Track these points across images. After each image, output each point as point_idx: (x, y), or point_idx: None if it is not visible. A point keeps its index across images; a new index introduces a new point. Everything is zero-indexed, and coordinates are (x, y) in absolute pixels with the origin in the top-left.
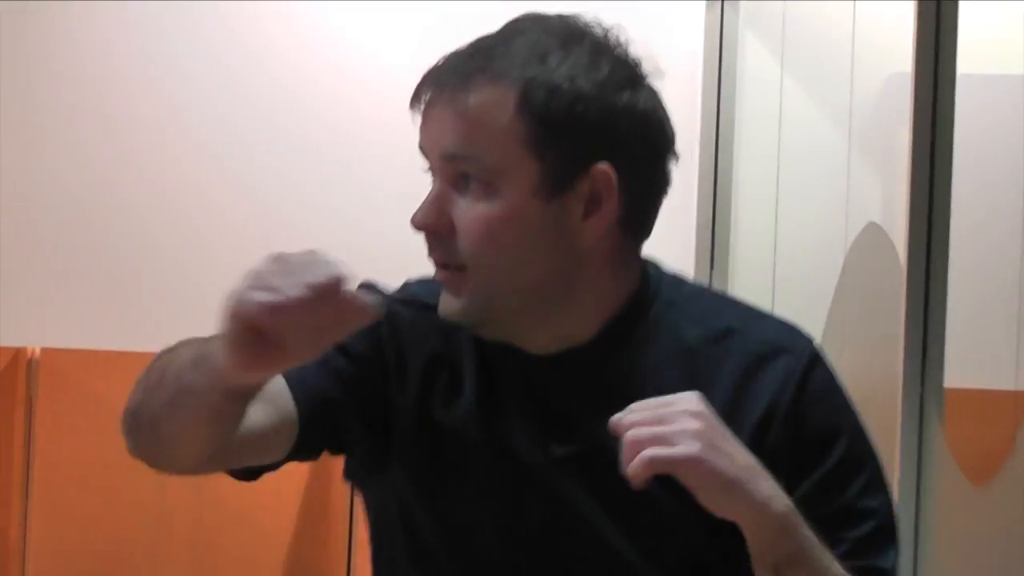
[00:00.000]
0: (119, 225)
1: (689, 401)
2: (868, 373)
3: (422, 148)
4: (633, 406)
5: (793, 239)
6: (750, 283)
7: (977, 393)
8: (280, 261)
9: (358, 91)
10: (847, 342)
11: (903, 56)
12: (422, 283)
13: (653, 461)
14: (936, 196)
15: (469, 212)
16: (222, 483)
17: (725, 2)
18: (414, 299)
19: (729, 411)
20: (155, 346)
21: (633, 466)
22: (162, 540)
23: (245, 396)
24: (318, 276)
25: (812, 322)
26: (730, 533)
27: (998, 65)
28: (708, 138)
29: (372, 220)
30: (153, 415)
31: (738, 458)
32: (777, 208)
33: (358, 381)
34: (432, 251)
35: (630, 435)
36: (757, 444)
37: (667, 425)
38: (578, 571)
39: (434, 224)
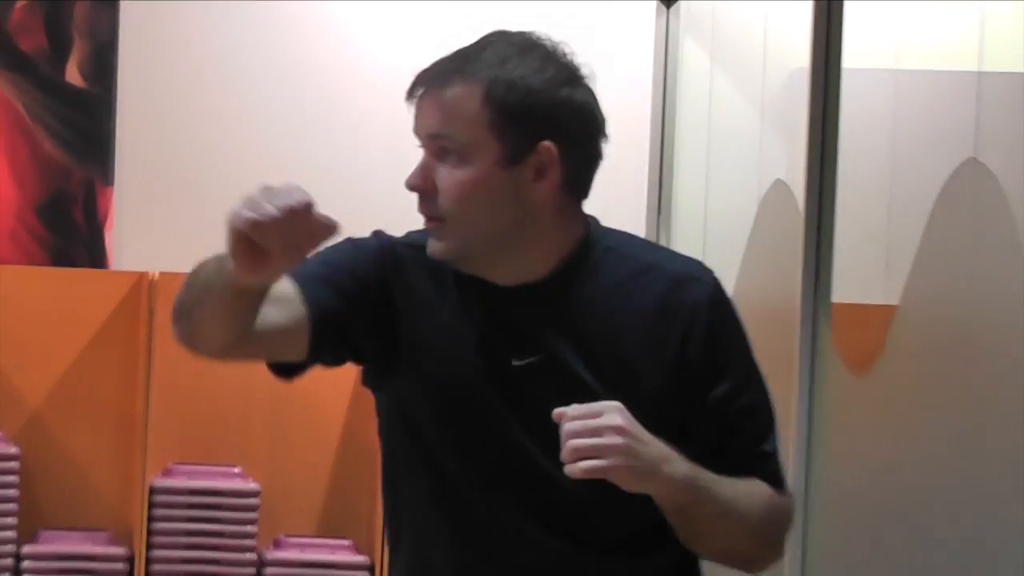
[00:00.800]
0: (222, 174)
1: (613, 416)
2: (775, 293)
3: (415, 130)
4: (569, 411)
5: (720, 194)
6: (688, 227)
7: (856, 307)
8: (266, 189)
9: (373, 92)
10: (760, 270)
11: (803, 53)
12: (418, 232)
13: (589, 470)
14: (826, 160)
15: (447, 178)
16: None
17: (669, 10)
18: (412, 242)
19: (656, 326)
20: None
21: (571, 470)
22: (248, 415)
23: (250, 295)
24: (290, 200)
25: (733, 256)
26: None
27: (874, 60)
28: (656, 119)
29: (386, 186)
30: (188, 310)
31: (652, 452)
32: (708, 172)
33: (363, 301)
34: (421, 207)
35: (569, 444)
36: (681, 353)
37: (598, 438)
38: (528, 442)
39: (421, 186)
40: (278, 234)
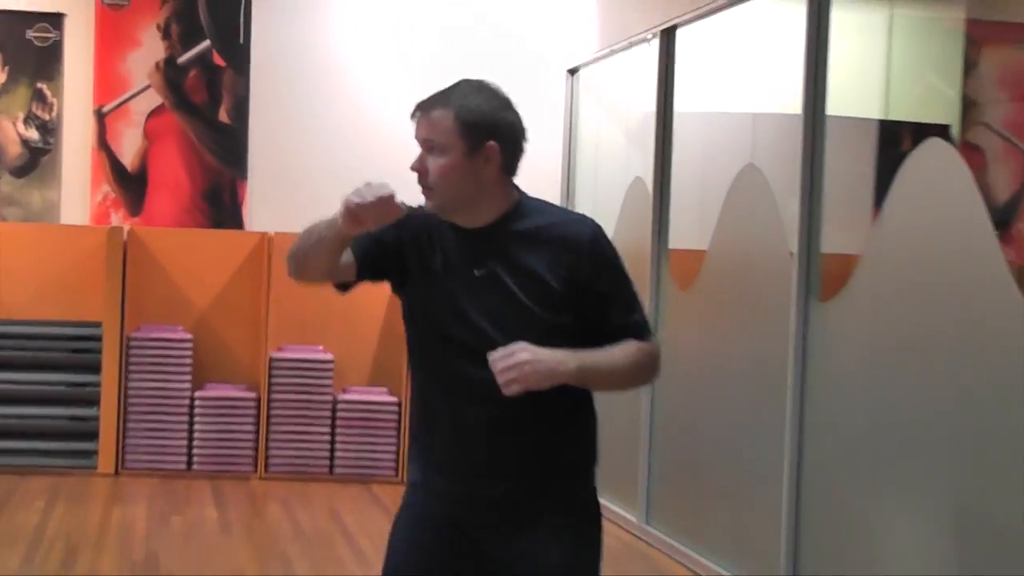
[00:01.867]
0: (310, 176)
1: (521, 354)
2: (637, 242)
3: (415, 136)
4: (493, 356)
5: (603, 184)
6: (584, 204)
7: (682, 251)
8: (367, 184)
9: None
10: (627, 229)
11: (651, 101)
12: (420, 207)
13: (517, 388)
14: (664, 166)
15: (433, 164)
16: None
17: (573, 77)
18: (421, 208)
19: (559, 251)
20: None
21: (507, 391)
22: (327, 315)
23: (343, 242)
24: (380, 191)
25: (612, 222)
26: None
27: (695, 106)
28: (566, 138)
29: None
30: (302, 254)
31: (548, 363)
32: (596, 171)
33: (388, 245)
34: (419, 181)
35: (500, 376)
36: (574, 270)
37: (518, 370)
38: (478, 319)
39: (419, 169)
40: (371, 211)
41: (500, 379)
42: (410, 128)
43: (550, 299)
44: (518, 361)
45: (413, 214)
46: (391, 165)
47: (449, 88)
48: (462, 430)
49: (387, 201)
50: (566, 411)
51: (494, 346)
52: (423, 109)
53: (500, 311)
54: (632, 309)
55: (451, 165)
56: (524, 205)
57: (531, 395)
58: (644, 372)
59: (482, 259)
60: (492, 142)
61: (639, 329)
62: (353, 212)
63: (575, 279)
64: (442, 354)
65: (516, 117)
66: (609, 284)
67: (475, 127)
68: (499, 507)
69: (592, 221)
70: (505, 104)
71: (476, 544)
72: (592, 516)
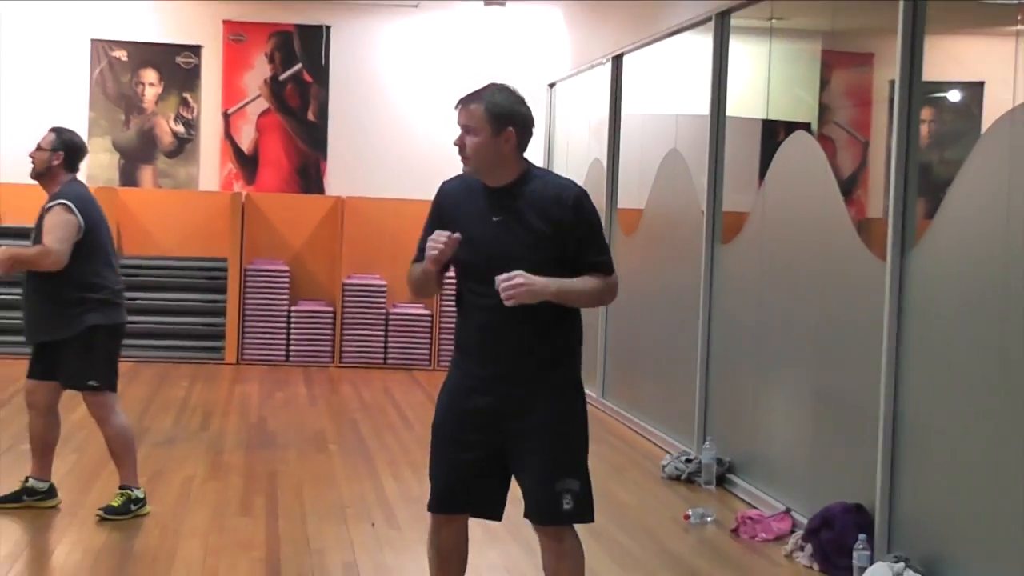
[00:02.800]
0: (374, 156)
1: (519, 277)
2: (597, 202)
3: (457, 122)
4: (499, 279)
5: (572, 164)
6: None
7: (628, 210)
8: (434, 238)
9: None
10: (593, 196)
11: (605, 106)
12: (457, 176)
13: (514, 302)
14: (616, 152)
15: (470, 142)
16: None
17: (551, 89)
18: (456, 178)
19: (554, 205)
20: (396, 194)
21: (507, 303)
22: (380, 249)
23: (436, 273)
24: (441, 238)
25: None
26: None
27: (642, 109)
28: (547, 131)
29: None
30: (420, 290)
31: (539, 286)
32: (567, 155)
33: (440, 224)
34: (459, 153)
35: (504, 293)
36: (562, 220)
37: (515, 289)
38: (497, 254)
39: (460, 144)
40: (445, 252)
41: (502, 295)
42: (431, 122)
43: (543, 240)
44: (515, 283)
45: (444, 186)
46: (422, 147)
47: (482, 88)
48: (482, 329)
49: (449, 242)
50: (553, 318)
51: (503, 271)
52: (464, 103)
53: (508, 246)
54: (600, 252)
55: (481, 143)
56: (531, 172)
57: (527, 306)
58: (605, 296)
59: (498, 209)
60: (510, 128)
61: (605, 267)
62: (435, 259)
63: (562, 227)
64: (470, 276)
65: (528, 110)
66: (586, 232)
67: (499, 117)
68: (507, 380)
69: (579, 187)
70: (520, 101)
71: (495, 408)
72: (576, 391)
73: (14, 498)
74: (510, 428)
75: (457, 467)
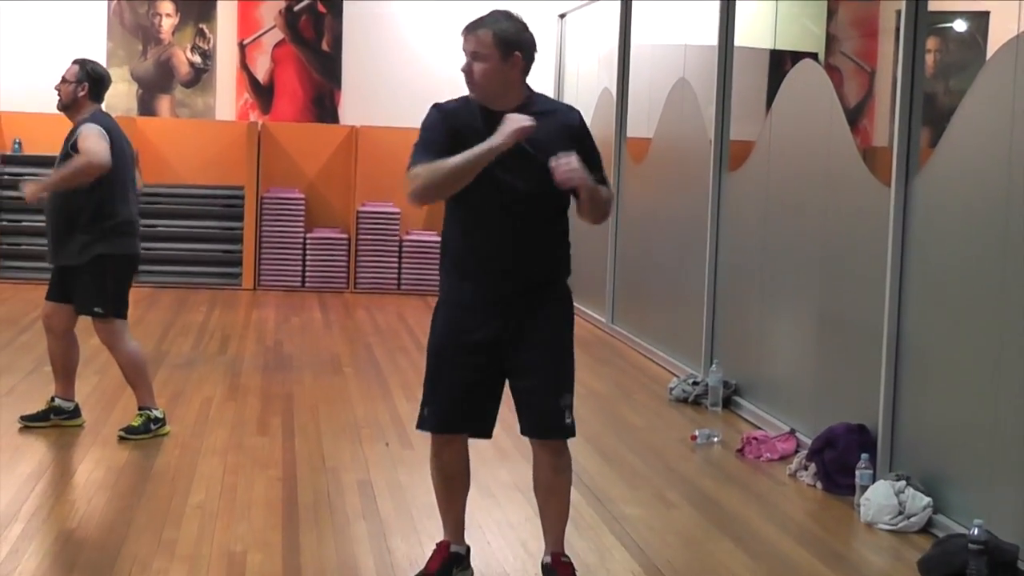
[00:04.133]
0: (385, 87)
1: (573, 159)
2: (604, 133)
3: (463, 48)
4: (555, 158)
5: (583, 92)
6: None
7: (637, 139)
8: (517, 118)
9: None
10: (599, 124)
11: (614, 39)
12: (447, 102)
13: (574, 178)
14: (624, 81)
15: (478, 67)
16: None
17: (562, 20)
18: (455, 100)
19: (559, 128)
20: (410, 123)
21: (565, 179)
22: (395, 178)
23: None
24: (527, 122)
25: (587, 118)
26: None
27: (656, 39)
28: (557, 58)
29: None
30: (448, 183)
31: (584, 172)
32: (577, 84)
33: (453, 137)
34: (467, 79)
35: (563, 174)
36: (566, 140)
37: (576, 170)
38: (503, 175)
39: (468, 71)
40: (526, 133)
41: (560, 175)
42: (443, 52)
43: (549, 158)
44: (573, 165)
45: (443, 106)
46: (435, 76)
47: (487, 15)
48: (489, 248)
49: (529, 124)
50: (554, 237)
51: (512, 191)
52: (471, 29)
53: (517, 165)
54: (600, 168)
55: (490, 68)
56: (534, 97)
57: (531, 225)
58: (607, 205)
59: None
60: (517, 53)
61: (604, 181)
62: (521, 132)
63: (566, 146)
64: (476, 198)
65: (532, 37)
66: (588, 150)
67: (507, 42)
68: (511, 300)
69: (578, 111)
70: (525, 27)
71: (498, 331)
72: (571, 307)
73: (42, 417)
74: (512, 348)
75: (461, 390)
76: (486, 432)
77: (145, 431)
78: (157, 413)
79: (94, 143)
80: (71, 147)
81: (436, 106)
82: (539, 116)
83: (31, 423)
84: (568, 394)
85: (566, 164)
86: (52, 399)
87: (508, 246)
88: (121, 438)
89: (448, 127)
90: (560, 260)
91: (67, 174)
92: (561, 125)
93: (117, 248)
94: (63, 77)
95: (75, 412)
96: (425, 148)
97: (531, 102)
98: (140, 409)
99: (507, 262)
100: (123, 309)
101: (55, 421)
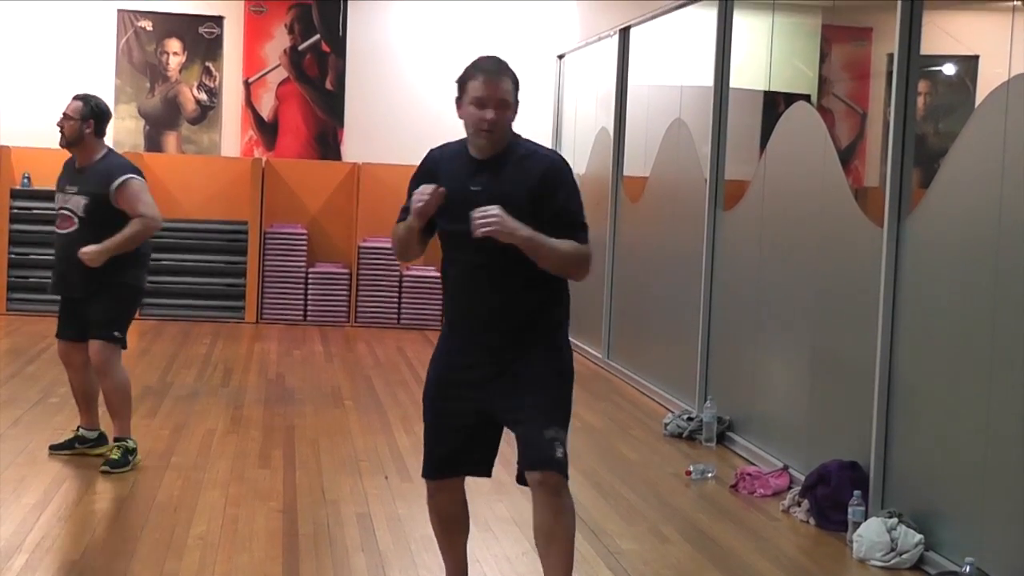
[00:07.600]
0: (385, 125)
1: (494, 210)
2: (602, 170)
3: (486, 94)
4: (476, 212)
5: (580, 132)
6: (567, 144)
7: (633, 177)
8: (419, 191)
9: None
10: (596, 163)
11: (611, 80)
12: (447, 143)
13: (485, 232)
14: (623, 121)
15: (502, 116)
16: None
17: (560, 61)
18: (444, 147)
19: (534, 174)
20: (410, 161)
21: (477, 232)
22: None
23: (421, 230)
24: (426, 192)
25: (584, 156)
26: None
27: (651, 80)
28: (556, 102)
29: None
30: (403, 249)
31: (513, 226)
32: (575, 125)
33: (427, 181)
34: (489, 127)
35: (479, 225)
36: (539, 187)
37: (492, 219)
38: (482, 246)
39: (497, 120)
40: (430, 206)
41: (474, 224)
42: (443, 92)
43: (520, 205)
44: (490, 215)
45: (431, 153)
46: (435, 115)
47: (494, 61)
48: (468, 296)
49: (434, 195)
50: (538, 285)
51: (482, 245)
52: (494, 76)
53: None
54: (576, 220)
55: (511, 116)
56: (519, 140)
57: (510, 271)
58: (575, 263)
59: (482, 178)
60: (518, 98)
61: (579, 235)
62: (420, 211)
63: (539, 193)
64: (453, 244)
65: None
66: (563, 199)
67: (517, 89)
68: (493, 348)
69: (559, 156)
70: (516, 80)
71: (483, 376)
72: (561, 353)
73: (67, 446)
74: (499, 388)
75: (448, 436)
76: (482, 472)
77: (124, 463)
78: (131, 444)
79: (147, 203)
80: (113, 198)
81: (429, 152)
82: (514, 162)
83: (58, 451)
84: (558, 428)
85: (481, 215)
86: (77, 429)
87: (486, 298)
88: (105, 472)
89: (429, 176)
90: (545, 311)
91: (130, 238)
92: (535, 170)
93: (132, 279)
94: (65, 113)
95: (100, 440)
96: (405, 206)
97: (514, 146)
98: (116, 440)
99: (486, 314)
100: (126, 338)
101: (80, 450)
